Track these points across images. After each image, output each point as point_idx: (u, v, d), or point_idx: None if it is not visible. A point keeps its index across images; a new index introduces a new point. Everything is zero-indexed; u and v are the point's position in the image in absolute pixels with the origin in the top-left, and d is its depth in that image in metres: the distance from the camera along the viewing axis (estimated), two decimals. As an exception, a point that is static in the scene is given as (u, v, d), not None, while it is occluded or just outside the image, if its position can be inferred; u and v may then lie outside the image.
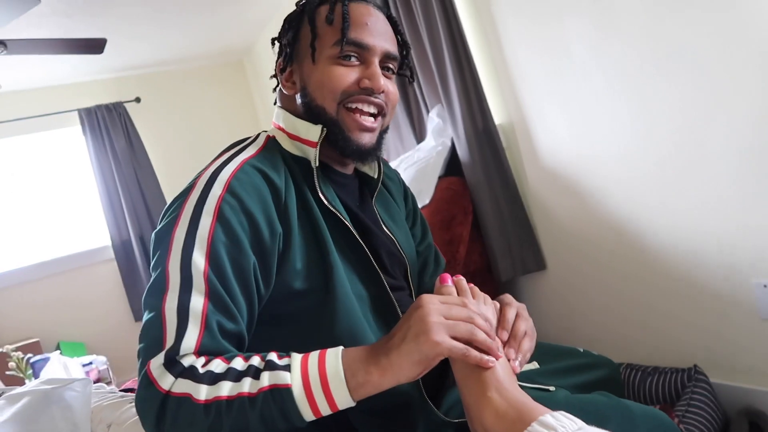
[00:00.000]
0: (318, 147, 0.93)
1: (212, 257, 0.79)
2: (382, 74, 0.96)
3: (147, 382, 0.73)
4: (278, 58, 1.04)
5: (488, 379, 0.75)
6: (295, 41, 0.99)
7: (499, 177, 2.39)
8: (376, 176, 1.07)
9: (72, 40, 2.90)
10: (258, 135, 1.01)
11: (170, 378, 0.72)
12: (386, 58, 0.97)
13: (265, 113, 4.85)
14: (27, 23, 2.99)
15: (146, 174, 4.34)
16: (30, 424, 0.82)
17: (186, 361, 0.74)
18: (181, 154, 4.58)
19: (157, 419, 0.72)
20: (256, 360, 0.75)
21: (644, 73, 1.83)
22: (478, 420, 0.74)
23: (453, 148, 2.53)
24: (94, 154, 4.23)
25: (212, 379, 0.73)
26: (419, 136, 2.85)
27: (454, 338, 0.74)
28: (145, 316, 0.79)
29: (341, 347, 0.77)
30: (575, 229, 2.25)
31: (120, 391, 1.20)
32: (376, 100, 0.95)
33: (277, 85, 1.05)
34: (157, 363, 0.73)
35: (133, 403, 0.91)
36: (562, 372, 1.08)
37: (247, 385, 0.72)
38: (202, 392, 0.72)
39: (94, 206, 4.30)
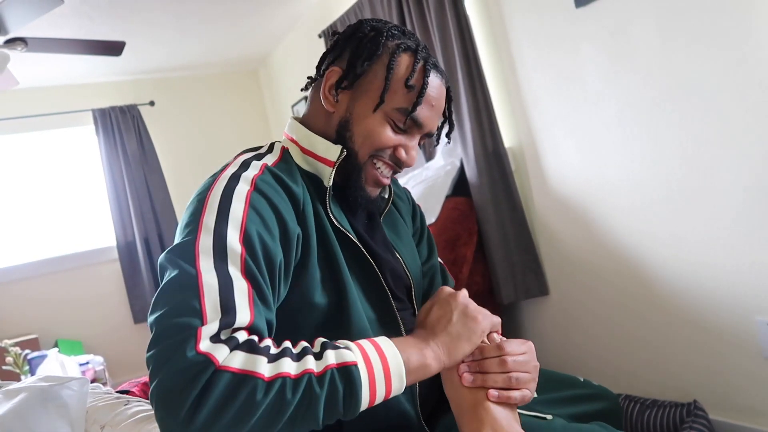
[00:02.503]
0: (335, 167, 0.92)
1: (246, 239, 0.74)
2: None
3: (202, 362, 0.62)
4: (333, 63, 0.97)
5: (484, 416, 0.80)
6: (363, 72, 0.94)
7: (506, 200, 2.39)
8: (387, 196, 1.08)
9: (91, 42, 2.93)
10: (272, 145, 0.99)
11: (225, 349, 0.64)
12: (426, 135, 0.99)
13: (277, 124, 4.88)
14: (49, 22, 3.03)
15: (155, 177, 4.37)
16: (26, 420, 0.82)
17: (240, 336, 0.66)
18: (191, 160, 4.61)
19: (196, 403, 0.60)
20: (303, 345, 0.71)
21: (656, 106, 1.83)
22: None
23: (462, 169, 2.54)
24: (105, 154, 4.26)
25: (273, 356, 0.66)
26: (428, 154, 2.86)
27: None
28: (168, 275, 0.70)
29: (384, 337, 0.79)
30: (580, 257, 2.24)
31: (116, 392, 1.19)
32: (399, 170, 0.99)
33: (310, 84, 1.02)
34: (209, 331, 0.64)
35: (128, 405, 0.91)
36: (560, 401, 1.07)
37: (311, 362, 0.67)
38: (265, 367, 0.64)
39: (102, 206, 4.32)
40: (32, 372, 3.09)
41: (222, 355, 0.63)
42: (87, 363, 3.24)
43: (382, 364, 0.73)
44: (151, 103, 4.50)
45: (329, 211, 0.92)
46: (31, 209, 4.19)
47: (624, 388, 2.12)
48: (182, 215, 0.83)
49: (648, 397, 2.00)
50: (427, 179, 2.62)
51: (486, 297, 2.45)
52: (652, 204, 1.92)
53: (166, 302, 0.67)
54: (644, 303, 2.02)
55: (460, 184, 2.54)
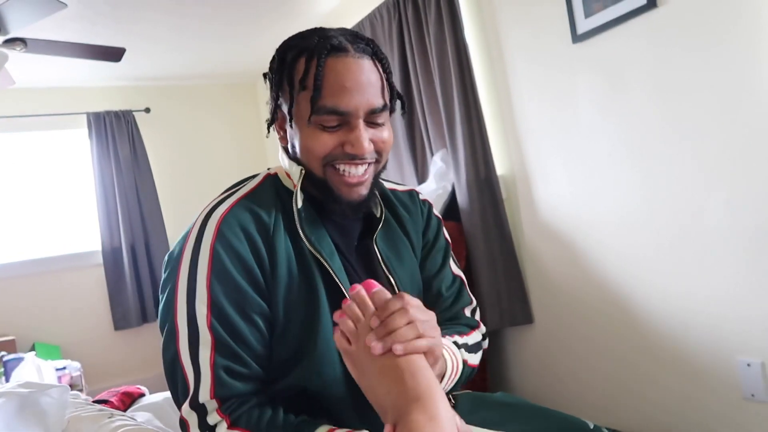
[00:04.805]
0: (298, 188, 0.93)
1: (213, 305, 0.84)
2: (370, 128, 0.92)
3: (183, 424, 0.84)
4: (270, 105, 1.01)
5: (400, 374, 0.75)
6: (278, 96, 0.97)
7: (495, 227, 2.41)
8: (378, 215, 1.03)
9: (92, 46, 2.94)
10: (259, 174, 1.02)
11: None
12: (371, 113, 0.91)
13: (272, 138, 4.89)
14: (49, 24, 3.03)
15: (146, 184, 4.34)
16: (3, 426, 0.80)
17: (211, 419, 0.81)
18: (183, 169, 4.59)
19: None
20: None
21: (649, 142, 1.87)
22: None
23: (453, 194, 2.56)
24: (97, 158, 4.23)
25: None
26: (421, 177, 2.88)
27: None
28: (168, 358, 0.86)
29: None
30: (566, 287, 2.26)
31: (93, 402, 1.17)
32: (363, 161, 0.92)
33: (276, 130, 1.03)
34: (186, 410, 0.83)
35: (112, 418, 0.91)
36: None
37: None
38: None
39: (89, 210, 4.28)
40: (7, 374, 3.03)
41: None
42: (64, 368, 3.19)
43: None
44: (147, 110, 4.49)
45: (302, 232, 0.91)
46: (18, 209, 4.14)
47: (603, 421, 2.12)
48: (168, 253, 0.93)
49: (627, 431, 2.00)
50: (418, 202, 2.63)
51: (471, 323, 2.46)
52: (639, 241, 1.95)
53: (172, 383, 0.86)
54: (627, 338, 2.04)
55: (450, 209, 2.56)
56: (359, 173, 0.92)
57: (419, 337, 0.78)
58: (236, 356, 0.84)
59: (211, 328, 0.83)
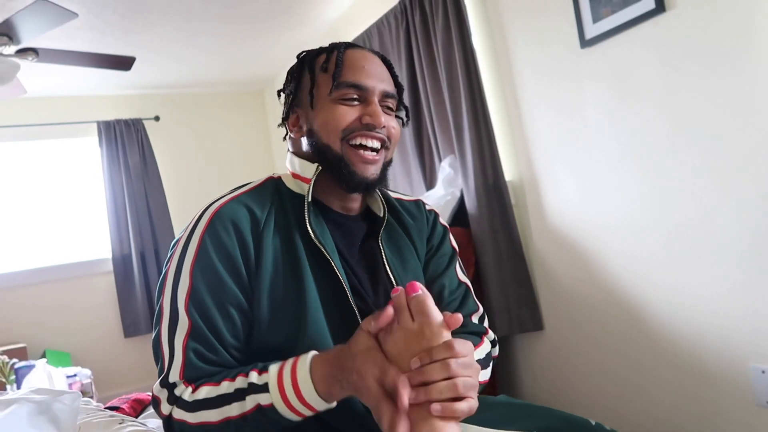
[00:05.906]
0: (312, 183, 0.98)
1: (193, 292, 0.89)
2: (383, 111, 1.00)
3: (155, 402, 0.89)
4: (284, 108, 1.09)
5: None
6: (297, 90, 1.05)
7: (504, 233, 2.40)
8: (381, 214, 1.07)
9: (102, 56, 2.97)
10: (263, 177, 1.08)
11: (167, 406, 0.87)
12: (385, 97, 1.01)
13: (280, 144, 4.91)
14: (60, 34, 3.07)
15: (155, 192, 4.37)
16: (15, 432, 0.81)
17: (178, 391, 0.87)
18: (192, 176, 4.62)
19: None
20: (239, 381, 0.85)
21: (658, 147, 1.86)
22: None
23: (461, 199, 2.55)
24: (107, 166, 4.26)
25: (198, 406, 0.84)
26: (429, 183, 2.88)
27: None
28: (154, 338, 0.92)
29: (310, 358, 0.83)
30: (576, 293, 2.24)
31: (105, 408, 1.18)
32: (378, 134, 0.99)
33: (287, 133, 1.10)
34: (157, 388, 0.88)
35: (123, 424, 0.91)
36: None
37: (236, 409, 0.83)
38: (191, 418, 0.85)
39: (100, 218, 4.31)
40: (18, 381, 3.05)
41: (165, 408, 0.87)
42: (74, 375, 3.21)
43: (299, 400, 0.82)
44: (156, 118, 4.53)
45: (308, 222, 0.96)
46: (29, 217, 4.18)
47: (614, 424, 2.10)
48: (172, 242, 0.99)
49: (639, 438, 1.99)
50: (426, 208, 2.63)
51: (480, 329, 2.45)
52: (651, 245, 1.93)
53: (155, 359, 0.92)
54: (638, 344, 2.02)
55: (459, 215, 2.55)
56: (375, 147, 0.99)
57: (457, 398, 0.73)
58: (208, 342, 0.88)
59: (188, 313, 0.88)
